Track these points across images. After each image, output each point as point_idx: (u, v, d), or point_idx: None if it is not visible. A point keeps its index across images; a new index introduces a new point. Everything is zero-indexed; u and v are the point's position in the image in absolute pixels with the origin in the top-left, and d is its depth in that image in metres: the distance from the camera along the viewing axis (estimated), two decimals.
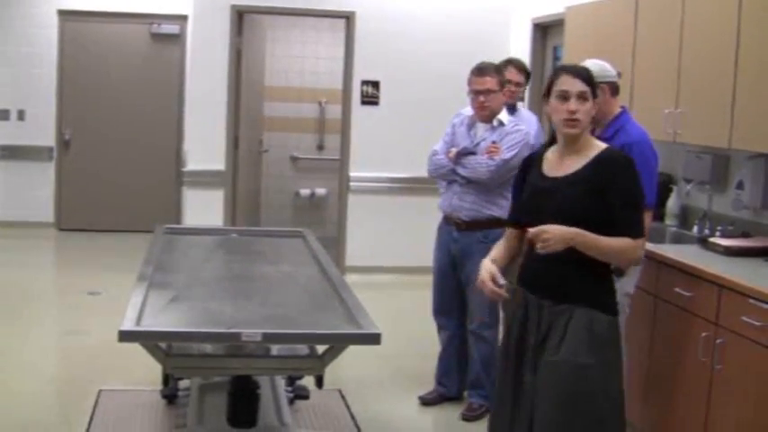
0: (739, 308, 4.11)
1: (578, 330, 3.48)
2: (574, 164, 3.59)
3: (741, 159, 5.30)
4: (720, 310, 4.23)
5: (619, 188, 3.50)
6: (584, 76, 3.60)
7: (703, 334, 4.30)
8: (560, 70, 3.66)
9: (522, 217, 3.73)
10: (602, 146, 3.63)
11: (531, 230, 3.48)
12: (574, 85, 3.56)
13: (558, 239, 3.43)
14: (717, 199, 5.60)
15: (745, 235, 5.11)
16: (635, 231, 3.52)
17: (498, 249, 3.91)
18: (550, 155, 3.72)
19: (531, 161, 3.81)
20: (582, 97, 3.55)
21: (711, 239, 4.95)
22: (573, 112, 3.54)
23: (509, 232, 3.89)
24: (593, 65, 4.76)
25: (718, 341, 4.20)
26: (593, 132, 4.15)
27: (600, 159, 3.56)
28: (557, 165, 3.66)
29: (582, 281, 3.54)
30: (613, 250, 3.50)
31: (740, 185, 5.26)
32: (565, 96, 3.56)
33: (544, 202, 3.59)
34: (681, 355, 4.49)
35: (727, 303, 4.21)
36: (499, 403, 3.77)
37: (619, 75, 4.87)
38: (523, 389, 3.61)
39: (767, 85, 4.61)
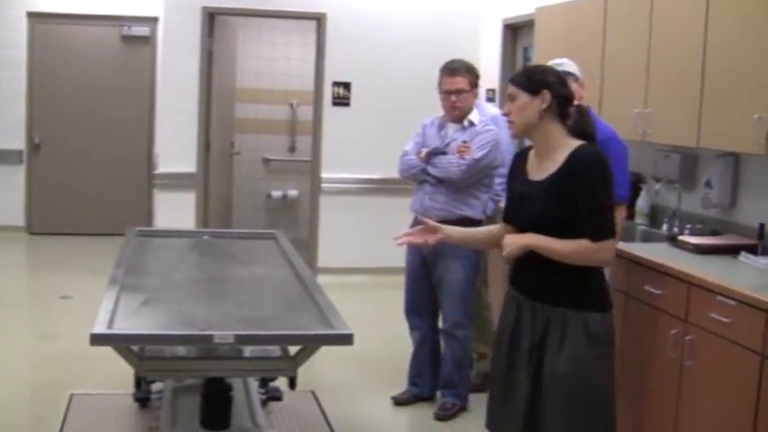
0: (708, 305, 4.14)
1: (576, 333, 3.54)
2: (549, 167, 3.60)
3: (709, 158, 5.35)
4: (690, 307, 4.26)
5: (584, 189, 3.49)
6: (513, 77, 3.71)
7: (673, 331, 4.33)
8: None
9: (509, 218, 3.81)
10: (575, 144, 3.59)
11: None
12: (507, 88, 3.70)
13: (515, 248, 3.58)
14: (686, 197, 5.65)
15: (713, 233, 5.15)
16: (596, 234, 3.50)
17: (482, 229, 4.12)
18: (532, 154, 3.75)
19: (519, 159, 3.83)
20: (510, 98, 3.65)
21: (681, 237, 4.99)
22: (506, 114, 3.69)
23: (502, 226, 3.93)
24: (567, 62, 4.81)
25: (687, 338, 4.23)
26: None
27: (569, 160, 3.55)
28: (536, 166, 3.68)
29: (570, 282, 3.57)
30: (571, 253, 3.52)
31: (709, 184, 5.30)
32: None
33: (522, 208, 3.68)
34: (651, 351, 4.53)
35: (697, 300, 4.24)
36: (496, 401, 3.82)
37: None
38: (517, 388, 3.67)
39: (734, 85, 4.66)
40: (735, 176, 5.23)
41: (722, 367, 4.07)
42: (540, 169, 3.64)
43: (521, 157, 3.82)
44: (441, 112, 5.65)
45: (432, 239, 3.95)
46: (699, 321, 4.21)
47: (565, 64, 4.80)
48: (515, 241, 3.58)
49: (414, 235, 4.01)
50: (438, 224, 4.01)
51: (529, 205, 3.63)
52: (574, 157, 3.54)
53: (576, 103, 3.70)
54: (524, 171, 3.73)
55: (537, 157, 3.69)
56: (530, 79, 3.64)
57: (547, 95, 3.60)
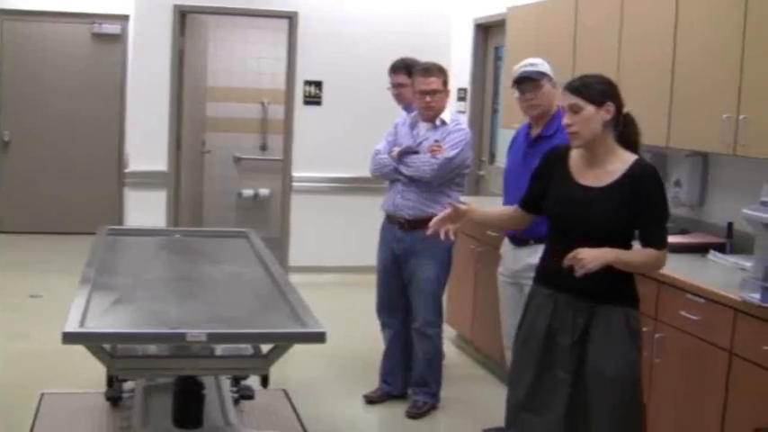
0: (677, 303, 4.20)
1: (620, 329, 3.61)
2: (605, 175, 3.64)
3: (679, 157, 5.39)
4: (659, 305, 4.31)
5: (650, 202, 3.58)
6: (572, 87, 3.67)
7: (643, 329, 4.36)
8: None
9: (546, 213, 3.84)
10: (633, 158, 3.65)
11: (567, 258, 3.50)
12: (566, 99, 3.66)
13: (597, 264, 3.48)
14: None
15: (683, 231, 5.20)
16: (660, 243, 3.62)
17: (498, 212, 4.18)
18: (576, 155, 3.77)
19: (556, 156, 3.85)
20: (572, 110, 3.62)
21: None
22: (567, 126, 3.65)
23: (516, 209, 4.03)
24: (542, 62, 4.85)
25: (657, 335, 4.28)
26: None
27: (633, 173, 3.60)
28: (584, 171, 3.71)
29: (614, 280, 3.62)
30: (644, 263, 3.64)
31: (678, 183, 5.35)
32: (565, 110, 3.68)
33: (576, 212, 3.66)
34: None
35: (666, 299, 4.29)
36: (522, 399, 3.80)
37: None
38: (555, 386, 3.69)
39: (703, 85, 4.71)
40: (704, 176, 5.29)
41: (691, 364, 4.12)
42: (593, 176, 3.67)
43: (557, 156, 3.83)
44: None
45: (456, 223, 4.01)
46: (668, 319, 4.27)
47: (539, 64, 4.83)
48: (596, 257, 3.48)
49: (444, 221, 4.01)
50: (463, 206, 4.02)
51: (585, 211, 3.63)
52: (638, 172, 3.61)
53: (625, 111, 3.72)
54: (567, 172, 3.75)
55: (586, 163, 3.71)
56: (594, 90, 3.63)
57: (611, 107, 3.63)
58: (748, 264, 4.31)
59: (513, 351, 3.94)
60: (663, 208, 3.64)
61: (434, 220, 4.02)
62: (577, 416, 3.67)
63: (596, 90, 3.63)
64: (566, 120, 3.65)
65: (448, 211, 4.00)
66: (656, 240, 3.61)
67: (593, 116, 3.60)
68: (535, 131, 4.88)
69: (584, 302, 3.63)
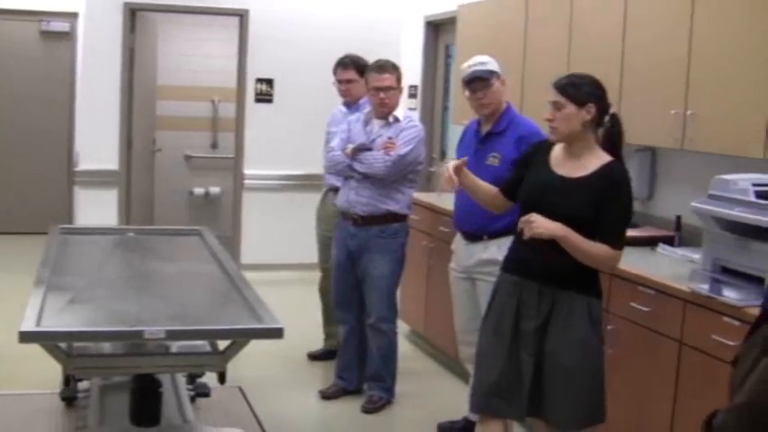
0: (628, 294, 4.28)
1: (581, 317, 3.75)
2: (580, 168, 3.79)
3: (628, 152, 5.43)
4: (611, 297, 4.38)
5: (614, 202, 3.72)
6: (559, 84, 3.80)
7: None
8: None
9: (519, 198, 3.99)
10: (608, 158, 3.79)
11: (523, 218, 3.74)
12: (549, 94, 3.80)
13: (546, 232, 3.69)
14: None
15: (633, 225, 5.27)
16: (616, 243, 3.74)
17: (486, 186, 4.23)
18: (557, 149, 3.91)
19: (541, 148, 4.00)
20: (555, 106, 3.76)
21: None
22: (549, 120, 3.80)
23: (498, 192, 4.20)
24: (490, 60, 4.90)
25: (609, 327, 4.35)
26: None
27: (605, 172, 3.75)
28: (561, 163, 3.86)
29: (579, 270, 3.75)
30: (592, 254, 3.72)
31: None
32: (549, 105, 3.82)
33: (549, 197, 3.79)
34: None
35: (618, 291, 4.37)
36: (494, 382, 3.86)
37: None
38: (522, 369, 3.80)
39: (652, 82, 4.80)
40: (652, 170, 5.38)
41: (643, 354, 4.20)
42: (569, 167, 3.82)
43: (542, 148, 3.98)
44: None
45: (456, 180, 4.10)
46: (620, 311, 4.34)
47: (488, 63, 4.88)
48: (548, 226, 3.68)
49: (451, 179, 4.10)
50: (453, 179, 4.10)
51: (559, 197, 3.76)
52: (610, 172, 3.76)
53: (611, 111, 3.83)
54: (546, 162, 3.90)
55: (564, 156, 3.86)
56: (578, 91, 3.76)
57: (592, 108, 3.75)
58: (696, 256, 4.40)
59: (482, 336, 4.02)
60: (625, 211, 3.79)
61: (450, 174, 4.07)
62: (538, 398, 3.79)
63: (581, 91, 3.76)
64: (548, 114, 3.80)
65: (457, 163, 4.12)
66: (611, 238, 3.72)
67: (574, 115, 3.74)
68: (485, 128, 4.93)
69: (549, 288, 3.76)
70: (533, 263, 3.81)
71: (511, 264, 3.97)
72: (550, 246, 3.70)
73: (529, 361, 3.78)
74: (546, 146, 3.98)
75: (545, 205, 3.76)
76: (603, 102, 3.79)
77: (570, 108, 3.74)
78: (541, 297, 3.78)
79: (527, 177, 3.96)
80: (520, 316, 3.83)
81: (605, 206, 3.70)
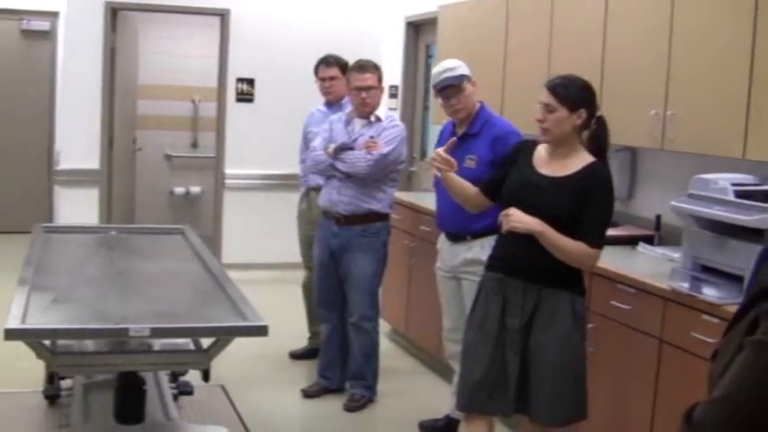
0: (609, 293, 4.32)
1: (565, 314, 3.78)
2: (563, 167, 3.84)
3: (609, 153, 5.51)
4: (592, 295, 4.41)
5: (595, 201, 3.77)
6: (551, 86, 3.82)
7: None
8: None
9: (502, 197, 3.99)
10: (588, 157, 3.84)
11: (501, 214, 3.79)
12: (541, 96, 3.84)
13: (524, 227, 3.73)
14: None
15: (613, 225, 5.32)
16: (595, 241, 3.77)
17: (466, 184, 4.25)
18: (541, 149, 3.95)
19: (525, 147, 4.04)
20: (547, 109, 3.79)
21: None
22: (540, 121, 3.83)
23: (478, 192, 4.21)
24: (459, 64, 4.92)
25: (590, 326, 4.38)
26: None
27: (588, 171, 3.80)
28: (545, 162, 3.90)
29: (563, 268, 3.79)
30: (570, 251, 3.76)
31: None
32: (540, 106, 3.85)
33: (532, 196, 3.82)
34: None
35: (598, 289, 4.40)
36: (476, 383, 3.89)
37: None
38: (507, 366, 3.83)
39: (632, 82, 4.83)
40: (632, 170, 5.43)
41: (623, 352, 4.25)
42: (553, 167, 3.87)
43: (526, 147, 4.03)
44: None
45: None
46: (600, 309, 4.38)
47: (458, 68, 4.88)
48: (525, 220, 3.73)
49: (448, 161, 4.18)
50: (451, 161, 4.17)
51: (540, 196, 3.80)
52: (593, 172, 3.81)
53: (598, 114, 3.89)
54: (530, 162, 3.94)
55: (548, 156, 3.90)
56: (571, 96, 3.79)
57: (583, 114, 3.81)
58: (676, 255, 4.45)
59: (467, 334, 4.04)
60: (606, 211, 3.84)
61: (442, 157, 4.16)
62: (525, 395, 3.83)
63: (574, 96, 3.80)
64: (538, 115, 3.83)
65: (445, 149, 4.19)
66: (590, 237, 3.76)
67: (565, 119, 3.79)
68: (461, 130, 4.93)
69: (534, 286, 3.80)
70: (518, 260, 3.84)
71: (495, 261, 4.01)
72: (535, 243, 3.73)
73: (515, 359, 3.82)
74: (530, 145, 4.03)
75: (528, 204, 3.78)
76: (593, 106, 3.85)
77: (562, 112, 3.78)
78: (526, 294, 3.82)
79: (510, 176, 3.99)
80: (505, 313, 3.86)
81: (586, 205, 3.74)
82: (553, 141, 3.85)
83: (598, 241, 3.79)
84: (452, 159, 4.18)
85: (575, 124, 3.80)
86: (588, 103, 3.82)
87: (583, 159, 3.84)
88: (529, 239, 3.74)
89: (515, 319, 3.83)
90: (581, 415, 3.89)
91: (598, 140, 3.88)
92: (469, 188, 4.26)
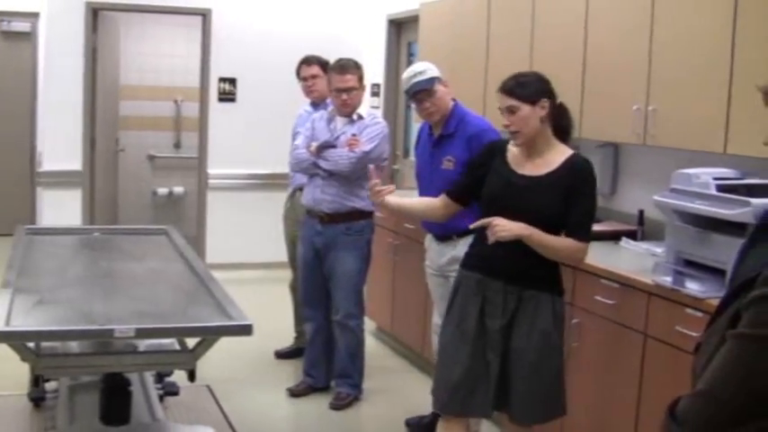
0: (592, 288, 4.33)
1: (546, 315, 3.77)
2: (543, 166, 3.81)
3: (590, 148, 5.53)
4: (576, 290, 4.44)
5: (581, 195, 3.75)
6: (507, 89, 3.82)
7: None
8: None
9: (482, 202, 3.94)
10: (570, 151, 3.83)
11: (486, 220, 3.71)
12: (500, 101, 3.83)
13: (510, 235, 3.67)
14: None
15: (596, 220, 5.33)
16: (583, 236, 3.78)
17: (416, 202, 4.29)
18: (514, 148, 3.91)
19: (496, 148, 4.00)
20: (509, 111, 3.78)
21: None
22: (507, 126, 3.80)
23: (443, 199, 4.15)
24: (428, 67, 4.93)
25: (574, 321, 4.40)
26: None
27: (570, 165, 3.79)
28: (522, 162, 3.87)
29: (544, 268, 3.80)
30: (560, 249, 3.77)
31: None
32: (502, 111, 3.82)
33: (516, 199, 3.78)
34: None
35: (582, 284, 4.42)
36: (459, 380, 3.86)
37: None
38: (487, 367, 3.81)
39: (614, 78, 4.86)
40: (614, 165, 5.45)
41: (607, 347, 4.26)
42: (532, 166, 3.84)
43: (497, 148, 3.99)
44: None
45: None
46: (584, 304, 4.40)
47: (427, 70, 4.89)
48: (511, 228, 3.67)
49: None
50: (385, 192, 4.19)
51: (526, 197, 3.77)
52: (575, 165, 3.80)
53: (558, 101, 3.88)
54: (506, 163, 3.89)
55: (524, 155, 3.87)
56: (527, 90, 3.78)
57: (546, 103, 3.79)
58: (659, 249, 4.47)
59: (444, 334, 4.02)
60: (592, 203, 3.84)
61: (374, 192, 4.21)
62: (505, 397, 3.82)
63: (530, 89, 3.79)
64: (504, 121, 3.81)
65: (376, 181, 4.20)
66: (579, 232, 3.77)
67: (531, 115, 3.77)
68: (437, 131, 4.94)
69: (514, 287, 3.77)
70: (498, 261, 3.81)
71: (473, 260, 3.97)
72: (515, 244, 3.70)
73: (495, 360, 3.80)
74: (500, 146, 4.00)
75: (512, 207, 3.75)
76: (553, 93, 3.84)
77: (525, 109, 3.77)
78: (507, 295, 3.79)
79: (489, 180, 3.93)
80: (485, 314, 3.84)
81: (574, 201, 3.74)
82: (527, 141, 3.83)
83: (587, 235, 3.80)
84: (387, 188, 4.18)
85: (540, 116, 3.78)
86: (547, 93, 3.81)
87: (561, 153, 3.83)
88: (513, 243, 3.70)
89: (495, 321, 3.81)
90: (560, 412, 3.92)
91: (562, 127, 3.88)
92: (422, 204, 4.25)
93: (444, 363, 3.98)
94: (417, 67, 4.94)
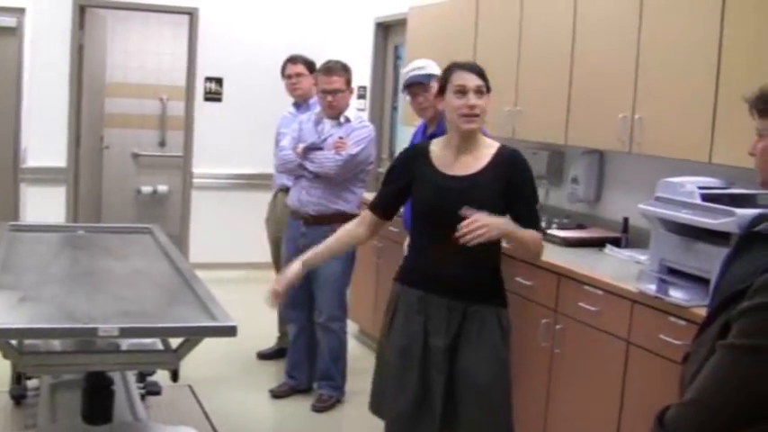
0: (576, 294, 4.34)
1: (493, 330, 3.66)
2: (473, 162, 3.67)
3: (576, 155, 5.56)
4: (559, 297, 4.45)
5: (522, 185, 3.65)
6: (478, 70, 3.69)
7: (543, 320, 4.51)
8: (454, 66, 3.71)
9: (414, 212, 3.81)
10: (496, 144, 3.73)
11: (463, 224, 3.39)
12: (471, 80, 3.63)
13: (497, 232, 3.47)
14: (553, 193, 5.86)
15: (580, 227, 5.37)
16: (540, 226, 3.75)
17: (329, 243, 4.01)
18: (437, 150, 3.77)
19: (417, 154, 3.83)
20: (479, 91, 3.63)
21: (549, 231, 5.17)
22: (473, 107, 3.61)
23: (366, 216, 3.96)
24: (428, 63, 4.95)
25: (557, 327, 4.42)
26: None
27: (501, 157, 3.67)
28: (450, 163, 3.71)
29: (488, 281, 3.71)
30: (532, 243, 3.68)
31: (575, 180, 5.52)
32: (462, 91, 3.61)
33: (454, 202, 3.49)
34: (523, 341, 4.66)
35: (565, 291, 4.43)
36: (403, 403, 3.73)
37: None
38: (432, 387, 3.67)
39: (600, 86, 4.87)
40: (600, 173, 5.47)
41: (590, 354, 4.27)
42: (461, 165, 3.68)
43: (418, 154, 3.82)
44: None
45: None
46: (567, 311, 4.41)
47: (427, 67, 4.93)
48: (496, 224, 3.43)
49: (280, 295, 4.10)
50: (292, 273, 4.03)
51: (464, 198, 3.50)
52: (510, 157, 3.68)
53: None
54: (433, 167, 3.72)
55: (451, 155, 3.71)
56: (486, 77, 3.68)
57: (490, 94, 3.72)
58: (643, 257, 4.48)
59: (388, 354, 3.84)
60: (534, 191, 3.75)
61: (276, 293, 4.08)
62: (450, 417, 3.69)
63: (486, 78, 3.71)
64: (473, 100, 3.62)
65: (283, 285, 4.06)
66: (534, 223, 3.70)
67: (487, 102, 3.69)
68: (430, 130, 4.97)
69: (458, 303, 3.64)
70: (440, 277, 3.65)
71: (412, 276, 3.80)
72: (458, 257, 3.54)
73: (439, 380, 3.65)
74: (420, 150, 3.85)
75: (450, 212, 3.46)
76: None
77: (488, 95, 3.68)
78: (451, 312, 3.64)
79: (417, 188, 3.75)
80: (428, 333, 3.68)
81: (519, 192, 3.63)
82: (478, 128, 3.68)
83: (540, 225, 3.78)
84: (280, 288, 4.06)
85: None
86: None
87: (489, 147, 3.71)
88: (452, 253, 3.52)
89: (439, 339, 3.65)
90: (508, 430, 3.77)
91: None
92: (342, 236, 4.00)
93: (394, 388, 3.79)
94: (418, 62, 5.00)
